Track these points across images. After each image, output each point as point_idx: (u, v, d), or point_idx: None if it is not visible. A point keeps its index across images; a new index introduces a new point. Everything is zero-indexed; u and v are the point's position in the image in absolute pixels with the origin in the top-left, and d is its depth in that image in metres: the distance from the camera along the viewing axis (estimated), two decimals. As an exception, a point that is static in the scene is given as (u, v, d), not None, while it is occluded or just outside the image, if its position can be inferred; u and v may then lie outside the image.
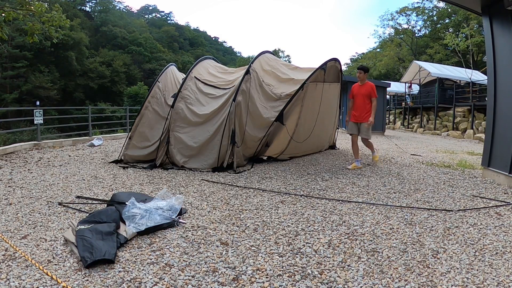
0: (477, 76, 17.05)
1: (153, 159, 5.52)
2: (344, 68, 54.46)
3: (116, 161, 5.90)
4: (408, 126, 19.95)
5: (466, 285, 2.04)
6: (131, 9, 61.07)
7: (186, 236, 2.72)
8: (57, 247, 2.49)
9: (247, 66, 6.11)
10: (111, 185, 4.33)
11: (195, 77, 5.85)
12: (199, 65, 6.22)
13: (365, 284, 2.04)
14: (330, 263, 2.29)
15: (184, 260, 2.32)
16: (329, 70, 6.25)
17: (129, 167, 5.48)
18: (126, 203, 2.92)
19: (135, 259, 2.32)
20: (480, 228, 2.98)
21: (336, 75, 6.82)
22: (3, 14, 9.22)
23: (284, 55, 58.96)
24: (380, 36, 41.06)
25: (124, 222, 2.78)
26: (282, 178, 4.79)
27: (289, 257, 2.38)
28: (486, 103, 5.51)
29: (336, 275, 2.14)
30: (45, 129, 14.74)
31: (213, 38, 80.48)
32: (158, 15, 64.02)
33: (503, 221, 3.16)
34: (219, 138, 5.22)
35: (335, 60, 6.48)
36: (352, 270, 2.21)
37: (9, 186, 4.25)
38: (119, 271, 2.15)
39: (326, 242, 2.63)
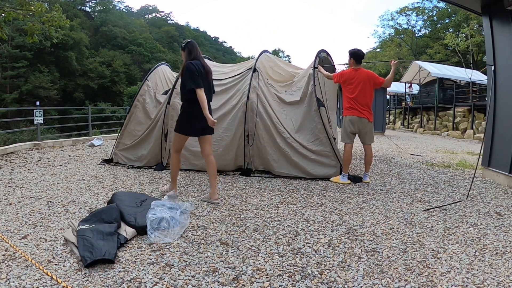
0: (477, 76, 17.04)
1: (143, 157, 5.50)
2: (344, 67, 54.31)
3: (107, 161, 5.90)
4: (408, 126, 19.95)
5: (466, 285, 2.04)
6: (131, 9, 61.06)
7: (186, 236, 2.72)
8: (57, 247, 2.49)
9: (247, 62, 6.06)
10: (111, 185, 4.33)
11: None
12: None
13: (365, 284, 2.04)
14: (330, 263, 2.29)
15: (184, 260, 2.32)
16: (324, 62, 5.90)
17: (124, 166, 5.48)
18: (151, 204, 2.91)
19: (135, 259, 2.33)
20: (480, 228, 2.98)
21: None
22: (3, 14, 9.22)
23: (284, 55, 59.04)
24: (380, 36, 41.03)
25: (125, 222, 2.77)
26: (282, 178, 4.79)
27: (289, 257, 2.38)
28: (486, 103, 5.51)
29: (336, 275, 2.14)
30: (45, 129, 14.74)
31: (213, 38, 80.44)
32: (158, 15, 63.95)
33: (503, 221, 3.16)
34: (236, 139, 5.06)
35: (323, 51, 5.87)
36: (352, 270, 2.21)
37: (9, 186, 4.25)
38: (119, 271, 2.15)
39: (326, 242, 2.63)
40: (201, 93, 3.35)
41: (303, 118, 5.03)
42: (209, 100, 3.62)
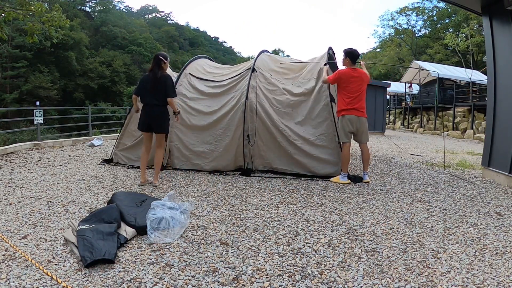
0: (477, 76, 17.05)
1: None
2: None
3: (107, 161, 5.90)
4: (408, 126, 19.95)
5: (466, 285, 2.04)
6: (131, 9, 61.06)
7: (186, 236, 2.72)
8: (57, 247, 2.49)
9: (247, 63, 6.05)
10: (111, 185, 4.33)
11: (189, 73, 5.83)
12: (194, 62, 6.19)
13: (365, 284, 2.04)
14: (330, 263, 2.29)
15: (184, 260, 2.32)
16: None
17: (124, 166, 5.48)
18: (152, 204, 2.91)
19: (135, 259, 2.33)
20: (480, 228, 2.98)
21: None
22: (3, 14, 9.22)
23: (284, 55, 59.05)
24: (380, 36, 41.08)
25: (125, 222, 2.77)
26: (282, 178, 4.79)
27: (289, 257, 2.38)
28: (486, 103, 5.50)
29: (336, 275, 2.14)
30: (45, 129, 14.74)
31: (213, 38, 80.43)
32: (158, 15, 63.95)
33: (503, 221, 3.16)
34: (236, 139, 5.07)
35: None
36: (352, 270, 2.21)
37: (9, 186, 4.25)
38: (119, 271, 2.15)
39: (326, 242, 2.63)
40: (134, 98, 4.63)
41: (311, 111, 5.00)
42: (154, 103, 4.35)
